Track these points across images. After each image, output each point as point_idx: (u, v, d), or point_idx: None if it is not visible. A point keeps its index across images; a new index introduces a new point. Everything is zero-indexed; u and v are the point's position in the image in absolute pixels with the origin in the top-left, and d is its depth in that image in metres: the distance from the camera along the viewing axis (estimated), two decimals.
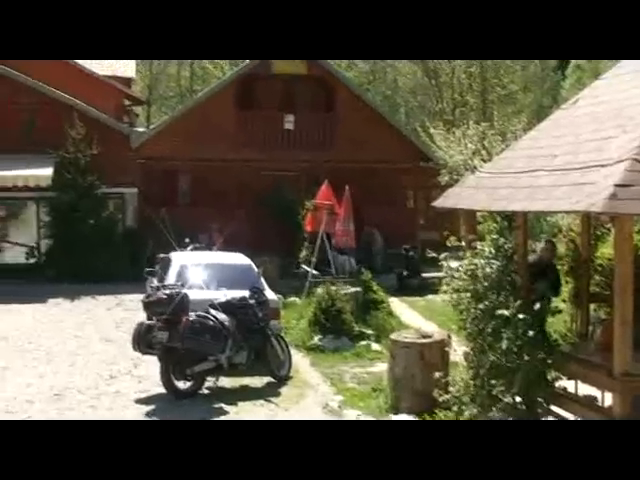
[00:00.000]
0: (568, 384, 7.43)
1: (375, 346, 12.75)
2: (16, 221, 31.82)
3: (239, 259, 13.11)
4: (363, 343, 12.85)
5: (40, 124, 21.63)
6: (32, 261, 23.49)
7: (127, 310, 15.74)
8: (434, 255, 8.95)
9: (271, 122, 23.29)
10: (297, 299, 15.91)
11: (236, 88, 23.52)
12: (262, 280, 11.99)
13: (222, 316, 9.88)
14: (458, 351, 8.86)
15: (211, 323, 9.65)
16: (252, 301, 10.52)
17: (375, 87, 43.43)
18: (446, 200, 8.99)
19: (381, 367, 10.95)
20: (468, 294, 8.00)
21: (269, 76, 23.64)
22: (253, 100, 24.28)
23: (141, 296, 13.63)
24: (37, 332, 13.92)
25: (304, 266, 18.07)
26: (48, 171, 20.49)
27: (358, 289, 14.62)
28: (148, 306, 10.13)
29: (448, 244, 8.49)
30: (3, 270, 22.75)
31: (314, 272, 16.77)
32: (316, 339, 12.84)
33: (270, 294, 11.54)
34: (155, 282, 12.93)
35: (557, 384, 7.41)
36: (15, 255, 25.84)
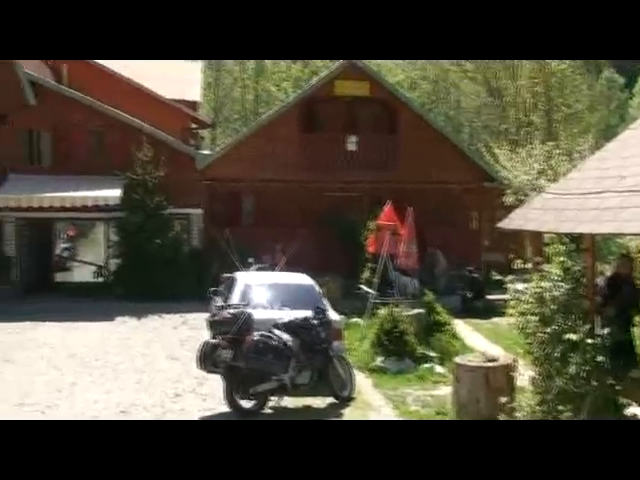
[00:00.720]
0: (638, 410, 7.21)
1: (439, 369, 12.58)
2: (85, 240, 32.80)
3: (302, 279, 13.16)
4: (426, 366, 12.69)
5: (109, 146, 22.33)
6: (100, 280, 24.13)
7: (192, 329, 15.96)
8: (499, 277, 8.82)
9: (334, 144, 23.44)
10: (359, 320, 15.85)
11: (299, 110, 23.78)
12: (325, 300, 12.02)
13: (285, 336, 9.92)
14: (524, 376, 8.67)
15: (274, 343, 9.70)
16: (315, 321, 10.51)
17: (438, 107, 43.31)
18: (512, 221, 8.87)
19: (445, 390, 10.81)
20: (535, 317, 7.84)
21: (331, 98, 23.85)
22: (316, 122, 24.52)
23: (206, 315, 13.85)
24: (104, 349, 14.22)
25: (366, 287, 18.01)
26: (117, 192, 21.05)
27: (421, 311, 14.50)
28: (213, 325, 10.25)
29: (513, 266, 8.36)
30: (72, 288, 23.45)
31: (377, 293, 16.70)
32: (379, 361, 12.75)
33: (333, 315, 11.53)
34: (220, 301, 13.12)
35: (627, 411, 7.20)
36: (84, 274, 26.63)
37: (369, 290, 17.12)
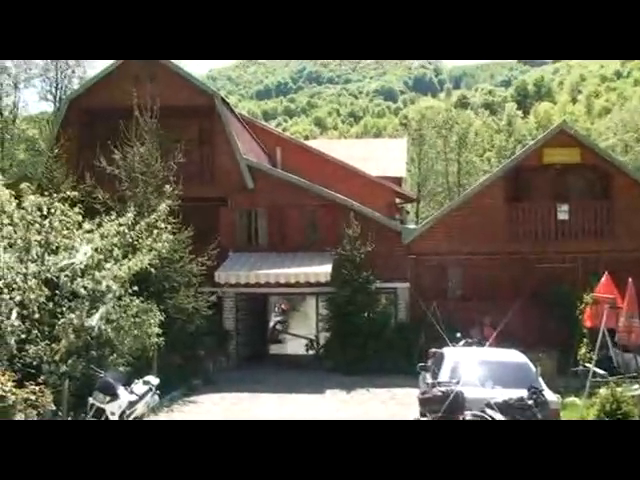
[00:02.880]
0: None
1: None
2: (297, 314, 34.09)
3: (514, 356, 12.69)
4: None
5: (320, 224, 23.31)
6: (312, 352, 24.85)
7: (400, 404, 15.86)
8: None
9: (544, 213, 22.74)
10: (577, 400, 14.92)
11: (506, 180, 23.40)
12: (540, 379, 11.47)
13: (499, 417, 9.55)
14: None
15: None
16: (530, 402, 10.05)
17: None
18: None
19: None
20: None
21: (539, 167, 23.27)
22: (524, 191, 23.96)
23: (413, 390, 13.76)
24: None
25: (584, 364, 16.98)
26: (327, 268, 21.80)
27: None
28: (424, 403, 10.15)
29: None
30: (286, 361, 24.37)
31: (596, 371, 15.67)
32: None
33: (549, 394, 10.97)
34: (428, 377, 12.98)
35: None
36: (296, 346, 27.58)
37: (587, 367, 16.12)
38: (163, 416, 14.75)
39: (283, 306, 33.27)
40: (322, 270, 21.79)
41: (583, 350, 18.01)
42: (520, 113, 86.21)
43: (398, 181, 34.05)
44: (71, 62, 39.51)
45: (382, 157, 34.58)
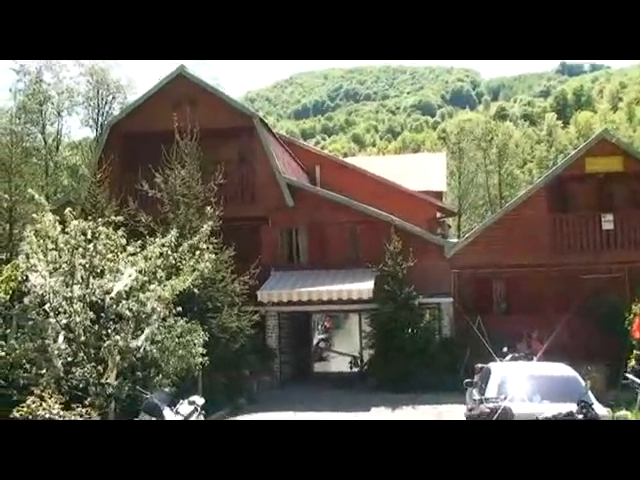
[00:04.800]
0: None
1: None
2: (340, 331, 34.07)
3: (563, 370, 12.45)
4: None
5: (361, 240, 23.26)
6: (356, 370, 24.73)
7: None
8: None
9: (588, 223, 22.36)
10: (628, 413, 14.53)
11: (548, 191, 23.08)
12: (590, 393, 11.21)
13: None
14: None
15: None
16: (580, 416, 9.82)
17: None
18: None
19: None
20: None
21: (582, 176, 22.92)
22: (567, 202, 23.64)
23: (459, 407, 13.58)
24: None
25: (634, 377, 16.56)
26: (369, 284, 21.70)
27: None
28: (472, 419, 9.99)
29: None
30: (330, 379, 24.31)
31: None
32: None
33: (599, 408, 10.71)
34: (475, 393, 12.80)
35: None
36: (339, 364, 27.53)
37: (637, 380, 15.73)
38: None
39: (326, 324, 33.33)
40: (364, 287, 21.70)
41: (633, 362, 17.55)
42: (560, 123, 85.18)
43: (439, 195, 33.88)
44: (112, 88, 40.30)
45: (422, 172, 34.46)
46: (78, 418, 10.60)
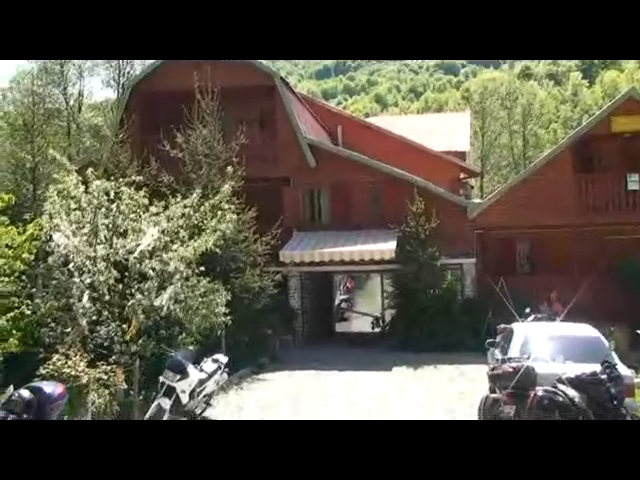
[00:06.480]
0: None
1: None
2: (362, 292, 34.13)
3: (586, 330, 12.36)
4: None
5: (383, 201, 23.14)
6: (377, 330, 24.82)
7: (469, 381, 15.67)
8: None
9: (613, 183, 22.03)
10: None
11: (573, 151, 22.73)
12: (613, 354, 11.14)
13: (572, 392, 9.32)
14: None
15: (560, 399, 9.14)
16: (604, 377, 9.75)
17: None
18: None
19: None
20: None
21: (608, 136, 22.51)
22: (592, 162, 23.30)
23: (481, 367, 13.56)
24: (383, 399, 14.47)
25: None
26: (391, 245, 21.65)
27: None
28: (494, 379, 9.98)
29: None
30: (351, 338, 24.44)
31: None
32: None
33: (623, 369, 10.64)
34: (498, 353, 12.78)
35: None
36: (361, 324, 27.64)
37: None
38: (232, 393, 14.96)
39: (348, 284, 33.39)
40: (387, 247, 21.66)
41: None
42: (585, 82, 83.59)
43: (462, 155, 33.51)
44: None
45: (445, 132, 34.09)
46: (103, 376, 10.75)
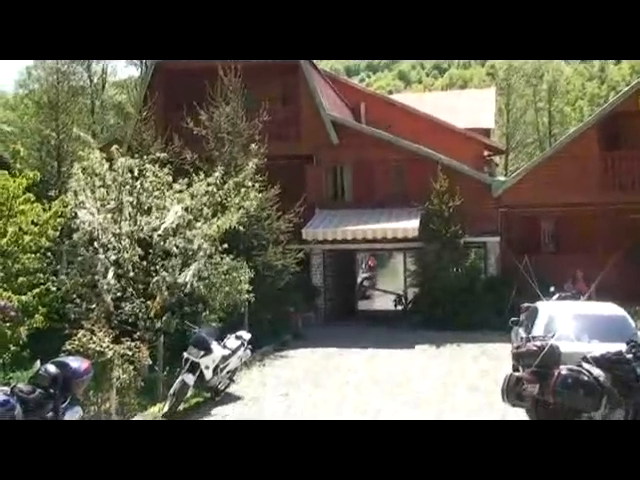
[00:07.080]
0: None
1: None
2: (384, 270, 34.11)
3: (612, 309, 12.25)
4: None
5: (407, 179, 23.01)
6: (400, 308, 24.82)
7: (492, 359, 15.62)
8: None
9: None
10: None
11: (599, 128, 22.41)
12: (639, 333, 11.04)
13: (596, 371, 9.25)
14: None
15: (585, 378, 9.09)
16: (629, 356, 9.67)
17: None
18: None
19: None
20: None
21: (635, 113, 22.12)
22: (619, 139, 22.92)
23: (505, 346, 13.51)
24: (405, 377, 14.48)
25: None
26: (415, 223, 21.55)
27: None
28: (518, 357, 9.95)
29: None
30: (373, 316, 24.46)
31: None
32: None
33: None
34: (522, 332, 12.72)
35: None
36: (384, 302, 27.65)
37: None
38: (255, 370, 15.06)
39: (370, 262, 33.38)
40: (410, 225, 21.57)
41: None
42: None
43: (486, 133, 33.20)
44: None
45: (469, 109, 33.72)
46: (127, 352, 10.84)
